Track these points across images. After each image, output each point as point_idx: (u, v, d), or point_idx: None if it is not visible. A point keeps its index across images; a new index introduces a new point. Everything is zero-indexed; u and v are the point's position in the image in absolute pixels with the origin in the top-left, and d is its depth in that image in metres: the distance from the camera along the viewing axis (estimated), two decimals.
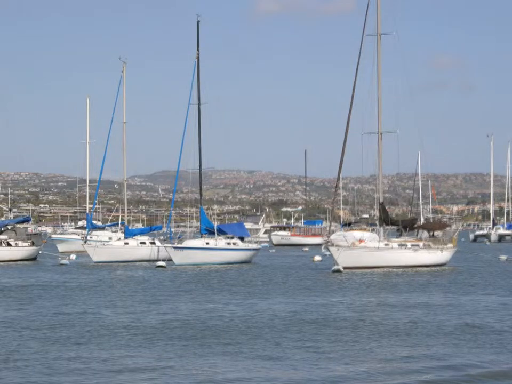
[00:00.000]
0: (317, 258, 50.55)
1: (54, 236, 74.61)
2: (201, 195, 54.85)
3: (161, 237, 54.54)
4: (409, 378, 13.31)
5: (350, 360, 14.88)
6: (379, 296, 26.51)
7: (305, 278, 34.96)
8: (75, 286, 31.94)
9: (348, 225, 55.31)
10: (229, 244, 49.26)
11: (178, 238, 50.20)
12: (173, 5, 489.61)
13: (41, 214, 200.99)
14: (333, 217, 62.86)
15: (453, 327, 18.84)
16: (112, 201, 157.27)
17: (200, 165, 52.60)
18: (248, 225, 76.61)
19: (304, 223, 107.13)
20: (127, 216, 66.04)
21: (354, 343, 16.71)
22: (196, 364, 14.72)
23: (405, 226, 45.65)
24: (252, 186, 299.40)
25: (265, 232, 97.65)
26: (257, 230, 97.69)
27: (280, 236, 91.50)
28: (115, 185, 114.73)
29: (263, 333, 18.31)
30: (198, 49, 53.54)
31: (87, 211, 71.21)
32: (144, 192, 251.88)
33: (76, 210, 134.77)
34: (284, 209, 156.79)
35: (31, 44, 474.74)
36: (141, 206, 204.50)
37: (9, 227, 56.76)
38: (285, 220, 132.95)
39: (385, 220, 45.21)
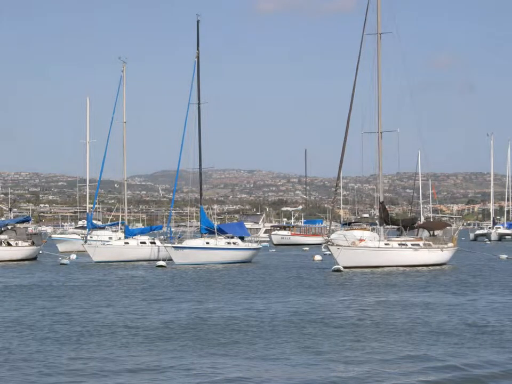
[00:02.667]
0: (317, 257, 50.44)
1: (54, 236, 75.05)
2: (201, 195, 54.58)
3: (162, 237, 54.40)
4: (409, 378, 13.22)
5: (350, 360, 14.82)
6: (379, 295, 26.48)
7: (306, 278, 34.93)
8: (75, 286, 31.94)
9: (348, 224, 55.40)
10: (229, 243, 49.06)
11: (178, 237, 50.09)
12: (172, 5, 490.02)
13: (41, 214, 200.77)
14: (333, 217, 62.76)
15: (453, 326, 18.79)
16: (112, 201, 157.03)
17: (200, 165, 52.41)
18: (248, 225, 77.10)
19: (304, 222, 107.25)
20: (127, 215, 65.94)
21: (354, 342, 16.67)
22: (195, 364, 14.69)
23: (405, 225, 45.60)
24: (252, 186, 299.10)
25: (266, 231, 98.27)
26: (258, 229, 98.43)
27: (280, 236, 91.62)
28: (115, 185, 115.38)
29: (263, 332, 18.30)
30: (198, 49, 53.28)
31: (87, 211, 71.77)
32: (145, 192, 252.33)
33: (76, 210, 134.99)
34: (284, 208, 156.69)
35: (31, 43, 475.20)
36: (141, 206, 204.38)
37: (9, 227, 56.91)
38: (285, 219, 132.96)
39: (386, 219, 45.05)
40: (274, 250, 71.63)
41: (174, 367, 14.27)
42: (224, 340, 17.15)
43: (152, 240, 53.21)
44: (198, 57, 53.10)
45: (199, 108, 52.64)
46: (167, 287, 31.21)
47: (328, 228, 50.87)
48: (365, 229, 49.49)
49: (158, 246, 50.84)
